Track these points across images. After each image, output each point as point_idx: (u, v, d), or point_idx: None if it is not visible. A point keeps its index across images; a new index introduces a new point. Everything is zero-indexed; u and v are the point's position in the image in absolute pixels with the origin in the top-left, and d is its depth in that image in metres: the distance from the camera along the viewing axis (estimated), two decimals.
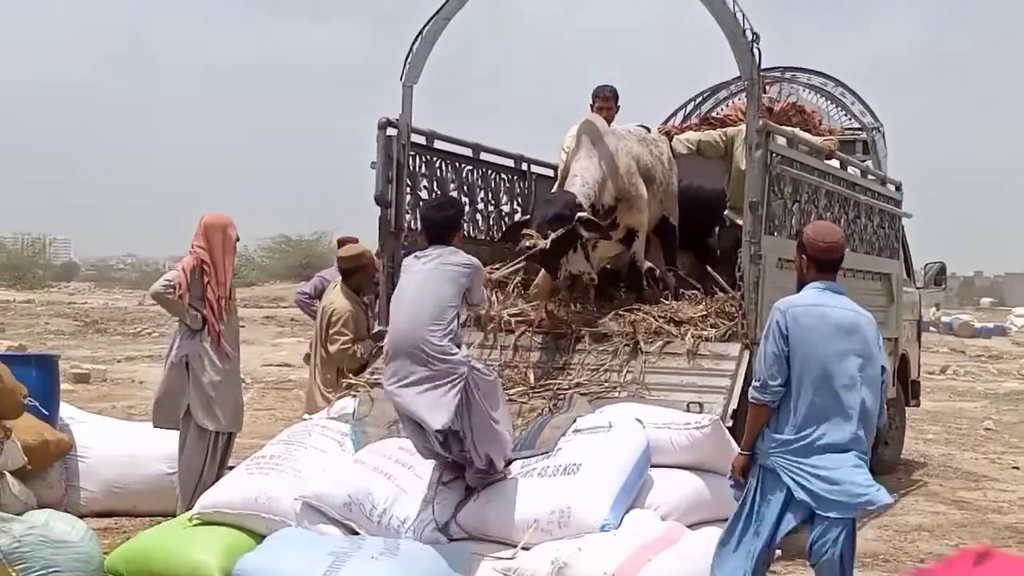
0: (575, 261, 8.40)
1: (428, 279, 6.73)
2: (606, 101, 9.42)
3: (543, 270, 8.58)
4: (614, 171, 8.70)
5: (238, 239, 8.25)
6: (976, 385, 23.43)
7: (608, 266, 9.16)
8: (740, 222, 9.31)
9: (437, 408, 6.45)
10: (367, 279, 9.31)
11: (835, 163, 10.09)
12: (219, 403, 7.99)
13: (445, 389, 6.45)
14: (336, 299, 9.14)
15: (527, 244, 8.11)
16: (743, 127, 9.78)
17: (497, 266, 8.97)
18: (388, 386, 6.69)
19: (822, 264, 5.63)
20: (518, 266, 8.86)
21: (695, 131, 10.41)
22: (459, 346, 6.67)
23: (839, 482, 5.39)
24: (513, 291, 8.99)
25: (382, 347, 8.56)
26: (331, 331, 8.99)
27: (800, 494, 5.42)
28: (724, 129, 10.29)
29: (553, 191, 9.23)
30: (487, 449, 6.69)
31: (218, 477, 7.79)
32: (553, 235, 8.02)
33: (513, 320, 8.61)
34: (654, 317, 8.47)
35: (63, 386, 9.34)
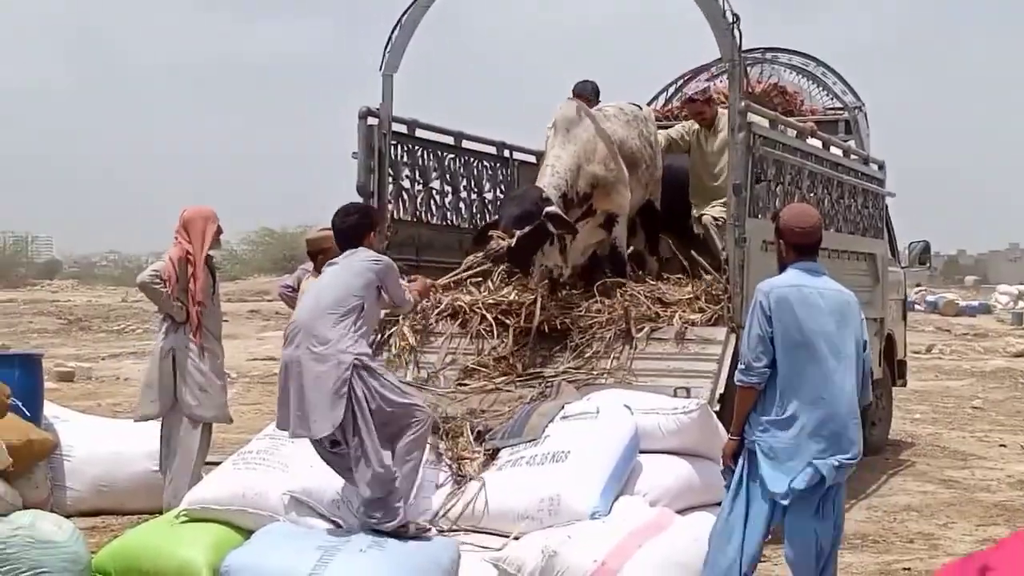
0: (549, 254, 8.30)
1: (335, 274, 6.72)
2: (585, 97, 9.33)
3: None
4: (590, 157, 8.62)
5: (221, 231, 8.25)
6: (962, 363, 23.48)
7: (593, 252, 9.07)
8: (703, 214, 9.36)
9: (321, 408, 6.31)
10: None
11: (817, 143, 10.07)
12: (211, 394, 7.99)
13: (329, 385, 6.28)
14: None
15: (493, 246, 8.06)
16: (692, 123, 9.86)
17: (451, 275, 9.00)
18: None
19: (801, 248, 5.61)
20: (466, 274, 8.90)
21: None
22: (357, 339, 6.45)
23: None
24: (499, 281, 8.96)
25: None
26: None
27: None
28: (670, 132, 10.21)
29: (524, 186, 9.21)
30: (370, 478, 6.31)
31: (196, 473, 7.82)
32: (519, 233, 7.95)
33: (502, 311, 8.56)
34: (643, 297, 8.44)
35: (47, 385, 9.27)
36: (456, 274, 9.05)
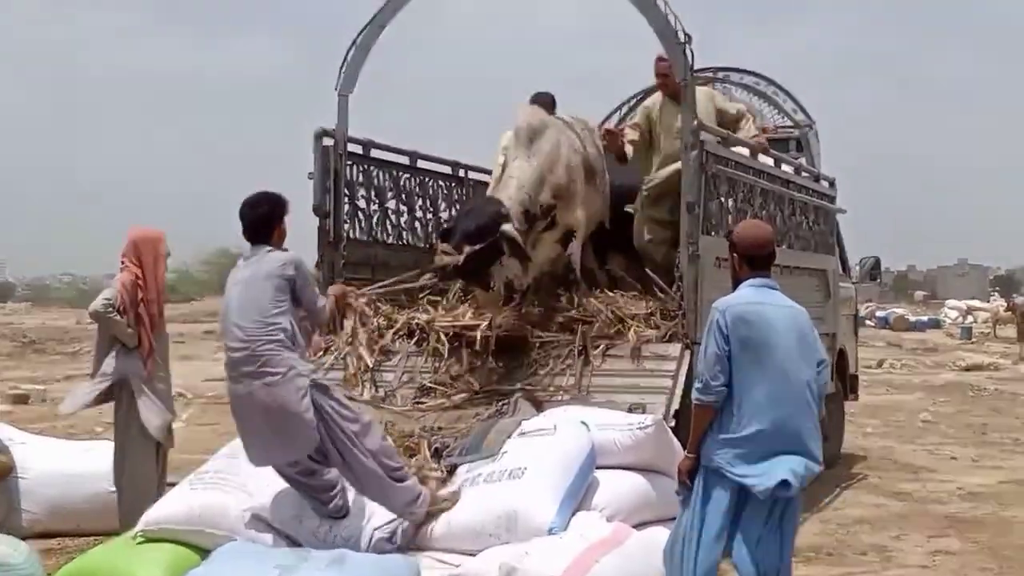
0: (509, 265, 8.14)
1: (247, 288, 6.51)
2: (544, 108, 9.32)
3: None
4: (552, 166, 8.51)
5: (169, 254, 8.16)
6: (913, 378, 23.74)
7: (546, 269, 9.06)
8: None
9: (290, 434, 6.30)
10: None
11: (769, 161, 10.17)
12: (166, 416, 7.94)
13: (291, 405, 6.25)
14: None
15: (440, 262, 7.97)
16: (656, 95, 9.85)
17: (379, 285, 9.05)
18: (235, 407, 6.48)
19: (755, 261, 5.66)
20: (397, 287, 8.96)
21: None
22: (301, 355, 6.46)
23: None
24: (456, 299, 8.98)
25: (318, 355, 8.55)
26: None
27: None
28: (641, 109, 10.30)
29: (487, 194, 9.18)
30: (363, 479, 6.51)
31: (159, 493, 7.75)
32: (469, 250, 7.81)
33: (458, 329, 8.57)
34: (604, 307, 8.45)
35: (1, 407, 9.23)
36: (385, 285, 9.02)
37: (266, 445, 6.46)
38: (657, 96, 9.94)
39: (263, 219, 6.69)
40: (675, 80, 9.41)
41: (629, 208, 9.73)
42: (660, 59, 9.55)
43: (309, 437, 6.33)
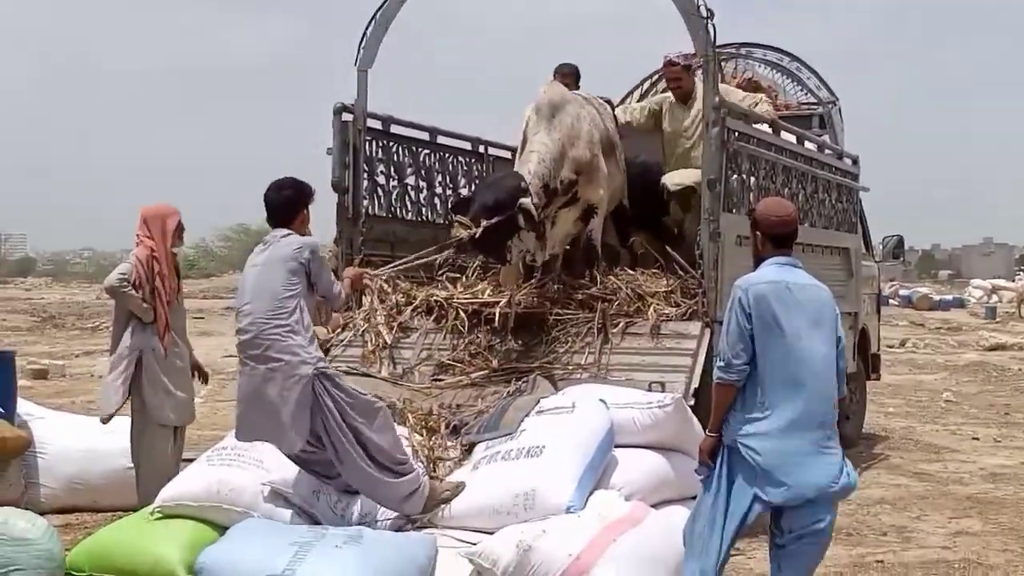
0: (526, 239, 8.08)
1: (262, 271, 6.54)
2: (565, 77, 9.27)
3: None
4: (574, 142, 8.44)
5: (183, 228, 8.11)
6: (936, 357, 23.62)
7: (567, 246, 9.00)
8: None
9: (282, 427, 6.33)
10: None
11: (792, 138, 10.10)
12: (178, 396, 7.89)
13: (290, 396, 6.28)
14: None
15: (457, 235, 7.93)
16: (667, 94, 9.84)
17: (395, 264, 8.96)
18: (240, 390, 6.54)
19: (777, 239, 5.59)
20: (414, 263, 8.92)
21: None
22: (310, 341, 6.44)
23: (802, 476, 5.36)
24: (475, 277, 8.95)
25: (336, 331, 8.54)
26: None
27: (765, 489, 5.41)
28: (647, 102, 10.28)
29: (504, 172, 9.13)
30: (353, 476, 6.51)
31: (176, 469, 7.72)
32: (486, 223, 7.78)
33: (477, 306, 8.53)
34: (622, 284, 8.41)
35: (21, 382, 9.21)
36: (401, 264, 8.97)
37: (255, 429, 6.55)
38: (667, 96, 9.90)
39: (288, 202, 6.73)
40: (687, 83, 9.55)
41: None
42: (669, 63, 9.57)
43: (299, 434, 6.36)
